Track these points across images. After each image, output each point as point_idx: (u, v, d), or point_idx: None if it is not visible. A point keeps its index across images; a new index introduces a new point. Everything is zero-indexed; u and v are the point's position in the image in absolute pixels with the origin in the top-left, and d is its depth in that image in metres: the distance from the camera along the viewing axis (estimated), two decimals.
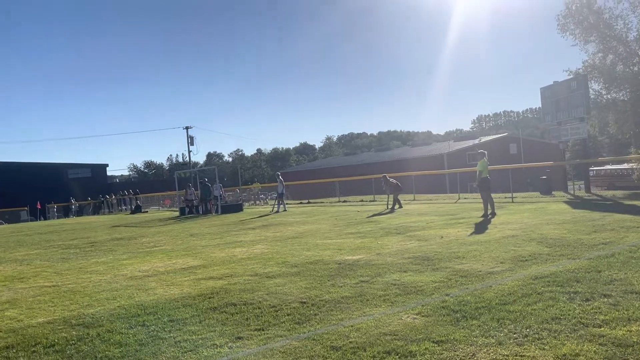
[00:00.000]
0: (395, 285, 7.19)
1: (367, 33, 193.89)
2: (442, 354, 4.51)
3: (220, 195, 28.95)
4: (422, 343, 4.77)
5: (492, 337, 4.80)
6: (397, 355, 4.54)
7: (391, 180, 22.26)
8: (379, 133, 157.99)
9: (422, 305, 6.04)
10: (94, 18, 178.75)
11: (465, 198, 24.02)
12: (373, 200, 27.03)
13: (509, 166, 25.59)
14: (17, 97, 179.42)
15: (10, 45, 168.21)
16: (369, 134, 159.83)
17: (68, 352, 5.37)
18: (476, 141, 59.19)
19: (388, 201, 22.00)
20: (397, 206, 20.84)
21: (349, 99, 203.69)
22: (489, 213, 15.16)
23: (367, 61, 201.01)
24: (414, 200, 25.16)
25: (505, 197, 21.41)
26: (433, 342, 4.79)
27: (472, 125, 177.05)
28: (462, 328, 5.13)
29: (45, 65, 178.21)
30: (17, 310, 7.47)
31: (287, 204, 27.16)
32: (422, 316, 5.63)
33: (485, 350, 4.51)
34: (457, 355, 4.45)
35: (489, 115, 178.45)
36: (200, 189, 29.49)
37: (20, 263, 12.95)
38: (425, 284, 7.11)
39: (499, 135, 66.78)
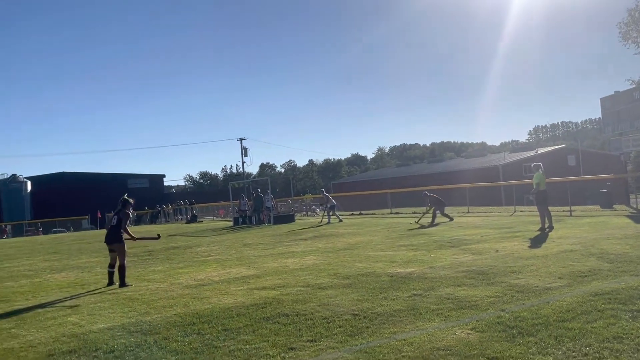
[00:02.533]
0: (448, 299, 7.10)
1: (419, 43, 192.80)
2: None
3: (272, 206, 29.16)
4: (477, 359, 4.69)
5: (550, 355, 4.68)
6: None
7: (431, 195, 22.06)
8: (432, 144, 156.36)
9: (477, 321, 5.93)
10: (155, 29, 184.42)
11: (521, 211, 23.46)
12: (426, 212, 26.72)
13: (567, 179, 24.89)
14: (80, 110, 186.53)
15: (70, 55, 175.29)
16: (421, 145, 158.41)
17: (127, 358, 5.53)
18: (533, 153, 57.75)
19: (425, 215, 21.72)
20: (447, 219, 20.54)
21: (401, 110, 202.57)
22: (546, 227, 14.75)
23: (419, 71, 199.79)
24: (468, 212, 24.75)
25: (564, 211, 20.78)
26: (488, 358, 4.70)
27: (529, 136, 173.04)
28: (518, 345, 5.02)
29: (103, 77, 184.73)
30: (78, 316, 7.75)
31: (339, 214, 27.12)
32: (477, 331, 5.53)
33: None
34: None
35: (546, 126, 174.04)
36: (253, 200, 29.85)
37: (82, 270, 13.44)
38: (479, 299, 6.99)
39: (557, 147, 64.97)
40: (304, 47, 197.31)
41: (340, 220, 25.03)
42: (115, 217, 10.76)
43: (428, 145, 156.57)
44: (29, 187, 72.91)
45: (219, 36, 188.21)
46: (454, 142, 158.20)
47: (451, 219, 20.47)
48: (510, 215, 21.23)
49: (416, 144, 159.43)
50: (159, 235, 12.07)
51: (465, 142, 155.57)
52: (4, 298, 9.96)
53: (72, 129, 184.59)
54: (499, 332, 5.47)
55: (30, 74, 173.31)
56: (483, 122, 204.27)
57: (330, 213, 25.78)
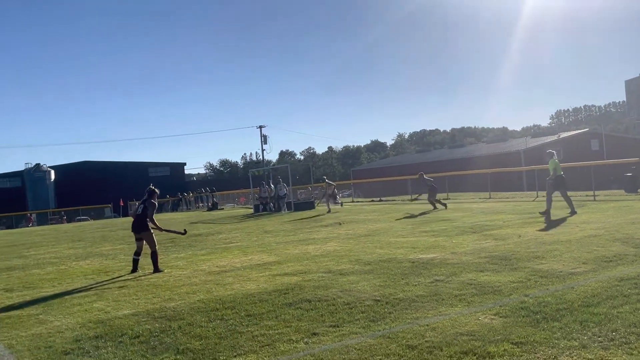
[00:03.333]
0: (471, 284, 7.06)
1: (438, 27, 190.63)
2: (522, 355, 4.39)
3: (285, 194, 28.81)
4: (501, 344, 4.67)
5: (575, 340, 4.64)
6: (475, 355, 4.46)
7: (427, 178, 21.57)
8: (452, 130, 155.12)
9: (500, 306, 5.90)
10: (175, 16, 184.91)
11: (543, 196, 23.21)
12: (446, 199, 26.59)
13: (590, 163, 24.55)
14: (103, 98, 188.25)
15: (94, 46, 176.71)
16: (441, 130, 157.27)
17: (152, 343, 5.60)
18: (555, 137, 57.06)
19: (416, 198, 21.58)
20: (440, 207, 20.09)
21: (421, 96, 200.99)
22: (568, 212, 14.56)
23: (439, 56, 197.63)
24: (490, 198, 24.58)
25: (587, 196, 20.52)
26: (512, 343, 4.68)
27: (551, 120, 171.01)
28: (543, 330, 4.98)
29: (125, 66, 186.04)
30: (104, 302, 7.86)
31: (358, 201, 27.09)
32: (500, 317, 5.50)
33: (567, 353, 4.36)
34: (538, 357, 4.33)
35: (568, 110, 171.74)
36: (275, 187, 29.95)
37: (106, 258, 13.63)
38: (502, 284, 6.94)
39: (580, 131, 64.10)
40: (323, 33, 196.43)
41: (329, 211, 23.73)
42: (141, 206, 10.84)
43: (448, 130, 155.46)
44: (53, 176, 73.98)
45: (240, 23, 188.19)
46: (475, 127, 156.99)
47: (444, 207, 20.05)
48: (533, 201, 21.02)
49: (436, 129, 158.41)
50: (185, 230, 12.10)
51: (485, 127, 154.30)
52: (30, 285, 10.14)
53: (94, 118, 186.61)
54: (523, 317, 5.43)
55: (53, 65, 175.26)
56: (504, 107, 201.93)
57: (327, 200, 25.24)
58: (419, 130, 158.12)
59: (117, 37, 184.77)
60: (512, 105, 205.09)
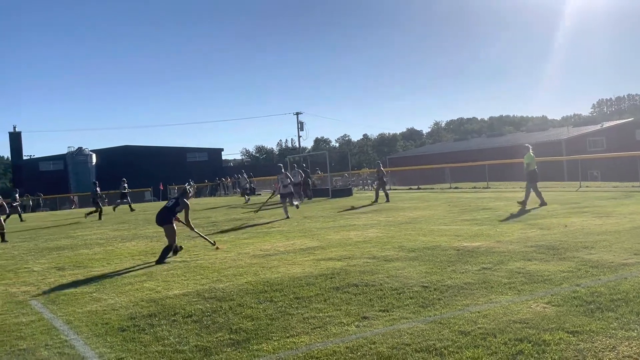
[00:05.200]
0: (520, 273, 7.00)
1: (476, 14, 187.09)
2: (578, 344, 4.35)
3: (300, 182, 26.00)
4: (556, 333, 4.63)
5: (633, 331, 4.56)
6: (530, 343, 4.44)
7: (382, 170, 23.11)
8: (490, 118, 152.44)
9: (552, 295, 5.84)
10: (211, 5, 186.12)
11: (587, 186, 22.78)
12: (486, 187, 26.31)
13: (635, 153, 23.91)
14: (142, 84, 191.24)
15: (135, 33, 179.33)
16: (479, 119, 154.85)
17: (205, 322, 5.73)
18: (598, 127, 55.68)
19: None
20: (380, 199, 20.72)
21: (458, 83, 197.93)
22: (532, 204, 15.37)
23: (476, 43, 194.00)
24: None
25: (633, 186, 20.05)
26: (567, 332, 4.63)
27: (592, 109, 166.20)
28: (598, 320, 4.92)
29: (165, 53, 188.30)
30: (154, 283, 8.06)
31: (395, 189, 26.95)
32: (553, 305, 5.45)
33: (627, 343, 4.30)
34: (596, 346, 4.28)
35: (610, 99, 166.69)
36: (302, 174, 29.99)
37: (151, 239, 13.91)
38: (552, 273, 6.86)
39: (624, 121, 62.37)
40: (361, 20, 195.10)
41: (296, 205, 21.14)
42: (173, 200, 10.87)
43: (486, 119, 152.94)
44: (94, 160, 75.57)
45: (277, 10, 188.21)
46: (513, 116, 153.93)
47: (383, 200, 20.94)
48: (576, 191, 20.64)
49: (474, 117, 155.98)
50: (214, 243, 11.66)
51: (524, 115, 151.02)
52: (81, 264, 10.45)
53: (135, 103, 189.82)
54: (576, 306, 5.37)
55: (96, 51, 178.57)
56: (544, 95, 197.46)
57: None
58: (455, 118, 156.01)
59: (157, 25, 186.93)
60: (552, 94, 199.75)
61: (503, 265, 7.53)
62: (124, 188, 29.24)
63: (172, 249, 10.42)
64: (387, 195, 22.31)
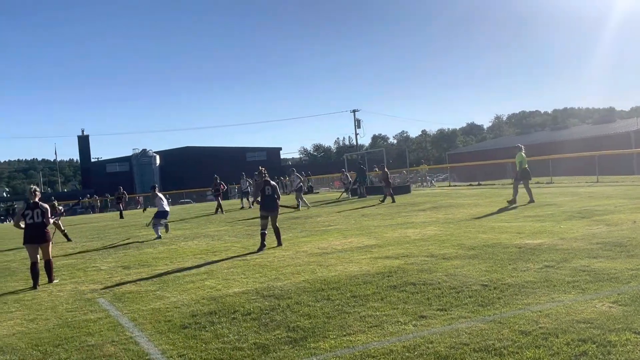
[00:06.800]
0: (584, 271, 6.77)
1: (539, 2, 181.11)
2: None
3: (301, 187, 25.30)
4: (622, 333, 4.45)
5: None
6: (594, 344, 4.29)
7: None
8: (554, 111, 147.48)
9: (618, 294, 5.62)
10: (267, 8, 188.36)
11: None
12: (550, 183, 25.54)
13: None
14: (201, 86, 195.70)
15: (193, 38, 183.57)
16: (542, 112, 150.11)
17: (263, 320, 5.82)
18: None
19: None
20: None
21: (519, 75, 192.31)
22: (516, 201, 16.16)
23: (538, 31, 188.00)
24: (597, 182, 23.32)
25: None
26: (635, 333, 4.45)
27: None
28: None
29: (223, 56, 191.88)
30: (214, 281, 8.24)
31: (454, 185, 26.53)
32: (620, 305, 5.24)
33: None
34: None
35: None
36: (357, 172, 29.89)
37: (212, 238, 14.23)
38: (619, 272, 6.60)
39: None
40: (416, 14, 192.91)
41: (305, 206, 22.41)
42: (269, 187, 11.60)
43: (549, 112, 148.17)
44: (158, 161, 77.94)
45: (333, 8, 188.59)
46: (578, 108, 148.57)
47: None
48: None
49: (536, 111, 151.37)
50: (296, 206, 12.61)
51: (590, 107, 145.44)
52: (145, 263, 10.80)
53: (195, 105, 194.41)
54: None
55: (158, 56, 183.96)
56: (610, 86, 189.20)
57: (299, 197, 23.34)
58: (517, 111, 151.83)
59: (213, 30, 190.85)
60: (619, 84, 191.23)
61: (567, 263, 7.29)
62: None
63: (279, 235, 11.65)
64: (392, 196, 22.54)
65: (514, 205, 15.80)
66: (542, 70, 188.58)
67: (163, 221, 16.06)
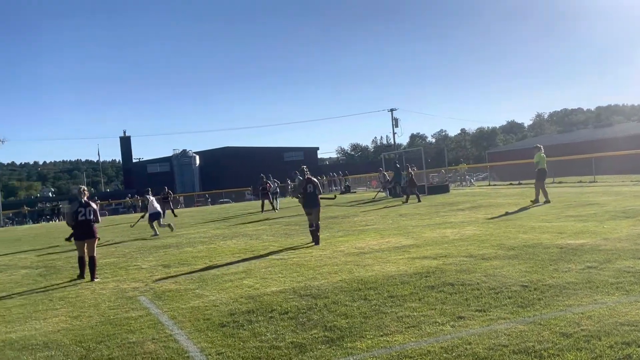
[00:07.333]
0: (629, 272, 6.59)
1: None
2: None
3: (277, 192, 28.31)
4: None
5: None
6: (639, 347, 4.18)
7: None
8: (597, 108, 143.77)
9: None
10: (306, 9, 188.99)
11: None
12: (593, 181, 24.93)
13: None
14: (238, 87, 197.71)
15: (235, 41, 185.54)
16: (585, 109, 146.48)
17: (300, 319, 5.85)
18: None
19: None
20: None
21: (561, 71, 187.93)
22: (542, 201, 16.31)
23: (580, 25, 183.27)
24: None
25: None
26: None
27: None
28: None
29: (262, 57, 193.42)
30: (252, 280, 8.32)
31: (494, 185, 26.16)
32: None
33: None
34: None
35: None
36: (394, 172, 29.70)
37: (250, 237, 14.37)
38: None
39: None
40: (453, 10, 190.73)
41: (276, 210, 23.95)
42: (311, 185, 12.32)
43: (593, 109, 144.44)
44: (198, 161, 79.04)
45: (367, 6, 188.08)
46: (623, 105, 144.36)
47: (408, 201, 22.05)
48: None
49: (579, 108, 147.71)
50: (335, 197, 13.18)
51: (636, 104, 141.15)
52: (185, 262, 10.97)
53: (231, 106, 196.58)
54: None
55: (198, 59, 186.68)
56: None
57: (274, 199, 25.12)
58: (559, 109, 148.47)
59: (253, 30, 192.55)
60: None
61: (610, 264, 7.11)
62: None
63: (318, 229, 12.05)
64: (418, 196, 22.91)
65: (539, 204, 16.07)
66: (585, 66, 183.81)
67: (162, 222, 17.98)
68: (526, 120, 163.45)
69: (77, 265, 10.35)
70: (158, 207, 18.24)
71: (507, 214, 14.46)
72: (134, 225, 20.95)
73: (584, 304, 5.44)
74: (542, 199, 16.59)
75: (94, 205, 10.36)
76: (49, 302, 8.10)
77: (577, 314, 5.11)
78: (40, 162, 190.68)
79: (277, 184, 28.56)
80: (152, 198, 18.44)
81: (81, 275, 10.00)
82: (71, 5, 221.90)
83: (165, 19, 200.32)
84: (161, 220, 18.00)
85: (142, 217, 19.60)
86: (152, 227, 17.70)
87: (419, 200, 22.03)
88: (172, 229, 17.95)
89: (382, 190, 31.47)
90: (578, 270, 6.96)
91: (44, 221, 47.91)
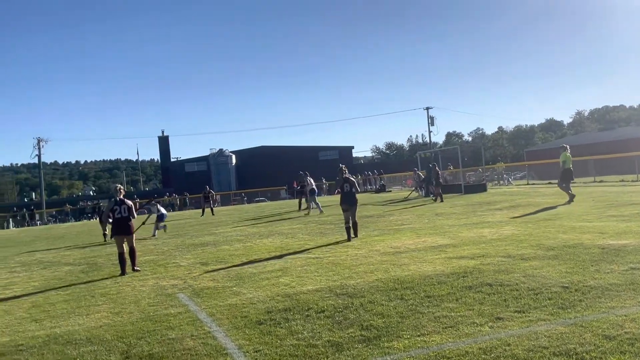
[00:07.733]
0: None
1: None
2: None
3: (315, 191, 25.34)
4: None
5: None
6: None
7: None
8: None
9: None
10: (338, 9, 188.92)
11: None
12: (636, 180, 24.29)
13: None
14: (275, 88, 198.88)
15: (270, 42, 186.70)
16: (627, 106, 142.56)
17: (337, 318, 5.86)
18: None
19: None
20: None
21: (602, 67, 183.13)
22: (568, 200, 16.50)
23: (620, 20, 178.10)
24: None
25: None
26: None
27: None
28: None
29: (297, 58, 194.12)
30: (289, 278, 8.37)
31: (533, 184, 25.73)
32: None
33: None
34: None
35: None
36: (427, 171, 29.45)
37: (286, 236, 14.45)
38: None
39: None
40: (490, 7, 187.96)
41: (321, 211, 21.88)
42: (347, 184, 12.89)
43: (635, 106, 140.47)
44: (234, 161, 79.83)
45: (404, 6, 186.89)
46: None
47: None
48: None
49: (621, 105, 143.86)
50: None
51: None
52: (222, 260, 11.10)
53: (268, 106, 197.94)
54: None
55: (234, 61, 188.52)
56: None
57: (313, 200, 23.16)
58: (600, 106, 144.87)
59: (288, 30, 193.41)
60: None
61: None
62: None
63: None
64: (440, 195, 23.28)
65: (570, 202, 16.35)
66: (627, 62, 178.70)
67: (161, 224, 18.78)
68: (566, 118, 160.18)
69: (117, 262, 10.64)
70: (163, 210, 19.40)
71: (545, 213, 14.20)
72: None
73: (627, 306, 5.31)
74: (565, 198, 16.93)
75: (129, 202, 10.74)
76: (91, 298, 8.31)
77: (620, 316, 5.00)
78: (82, 162, 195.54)
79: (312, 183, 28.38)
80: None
81: (122, 273, 10.28)
82: (116, 5, 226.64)
83: (201, 18, 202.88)
84: (160, 224, 18.78)
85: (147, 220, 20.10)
86: (155, 229, 18.54)
87: (441, 200, 22.11)
88: (165, 230, 18.97)
89: (416, 189, 31.28)
90: (621, 271, 6.79)
91: (85, 219, 49.05)
